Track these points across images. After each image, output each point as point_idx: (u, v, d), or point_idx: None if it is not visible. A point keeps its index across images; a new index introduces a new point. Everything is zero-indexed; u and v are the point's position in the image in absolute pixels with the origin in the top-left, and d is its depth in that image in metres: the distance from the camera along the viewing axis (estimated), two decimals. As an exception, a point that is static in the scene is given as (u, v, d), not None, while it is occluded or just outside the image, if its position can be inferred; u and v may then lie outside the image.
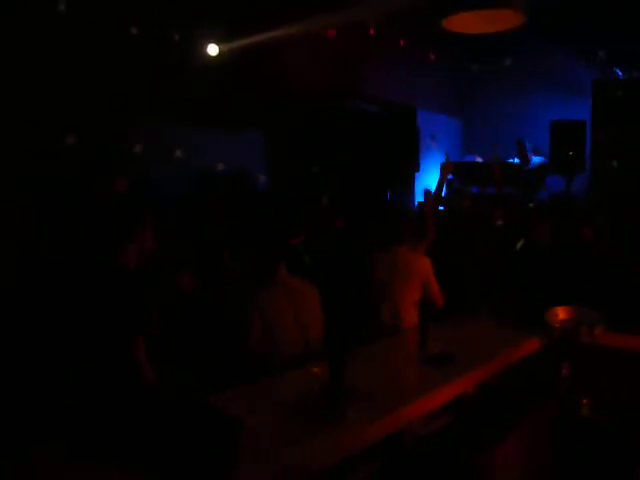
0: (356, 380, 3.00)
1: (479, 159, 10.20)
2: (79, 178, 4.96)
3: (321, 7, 7.15)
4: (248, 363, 3.80)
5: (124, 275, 3.21)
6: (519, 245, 5.38)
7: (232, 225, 5.65)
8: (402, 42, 9.15)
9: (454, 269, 5.27)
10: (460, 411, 3.59)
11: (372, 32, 8.47)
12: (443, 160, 7.32)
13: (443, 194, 6.86)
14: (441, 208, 8.76)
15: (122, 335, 3.07)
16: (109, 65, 6.19)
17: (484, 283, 5.23)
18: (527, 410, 3.85)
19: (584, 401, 4.09)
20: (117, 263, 3.22)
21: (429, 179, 10.19)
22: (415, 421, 3.25)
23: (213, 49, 7.29)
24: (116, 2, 6.24)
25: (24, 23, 5.64)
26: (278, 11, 7.21)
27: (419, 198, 9.71)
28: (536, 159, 9.44)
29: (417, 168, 9.57)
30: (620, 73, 8.88)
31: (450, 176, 9.93)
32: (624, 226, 5.88)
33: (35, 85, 5.62)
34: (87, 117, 6.00)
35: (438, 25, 5.37)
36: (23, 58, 5.59)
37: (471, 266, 5.44)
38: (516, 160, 9.64)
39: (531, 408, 3.90)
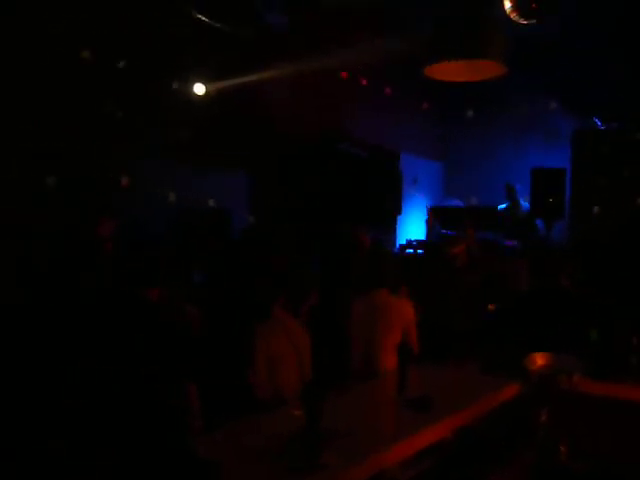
0: (334, 424, 2.97)
1: (460, 203, 10.31)
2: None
3: (308, 52, 7.27)
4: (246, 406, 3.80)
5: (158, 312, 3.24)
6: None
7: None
8: (387, 88, 9.28)
9: (435, 314, 5.28)
10: (439, 456, 3.58)
11: (358, 80, 8.60)
12: (425, 205, 7.40)
13: (425, 238, 6.90)
14: (421, 251, 8.85)
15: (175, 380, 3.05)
16: (92, 101, 6.22)
17: (465, 329, 5.25)
18: (505, 456, 3.85)
19: (562, 448, 4.08)
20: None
21: (411, 222, 10.28)
22: (394, 466, 3.23)
23: (200, 88, 7.37)
24: (101, 40, 6.30)
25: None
26: (266, 54, 7.31)
27: (401, 241, 9.77)
28: (526, 204, 9.53)
29: (399, 211, 9.65)
30: (599, 123, 9.06)
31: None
32: (603, 270, 5.94)
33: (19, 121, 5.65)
34: (70, 155, 6.01)
35: (421, 73, 5.48)
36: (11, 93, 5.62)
37: (452, 311, 5.45)
38: (504, 205, 9.72)
39: (509, 454, 3.90)
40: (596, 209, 8.81)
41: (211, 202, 7.41)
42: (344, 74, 8.50)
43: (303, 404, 2.86)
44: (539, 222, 9.29)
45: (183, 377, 3.13)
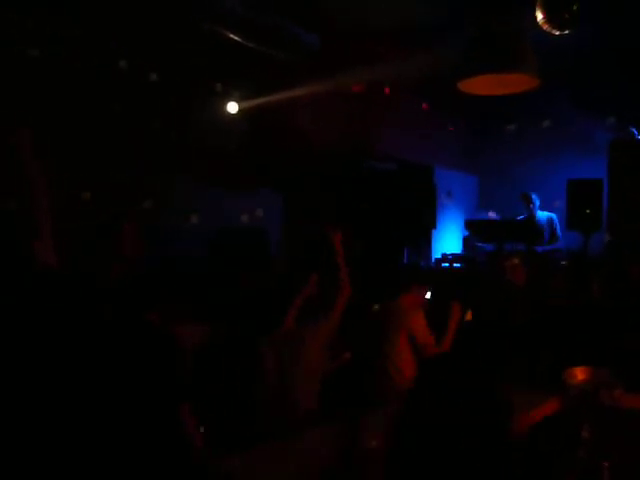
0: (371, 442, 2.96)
1: (495, 216, 10.23)
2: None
3: (339, 68, 7.30)
4: (260, 425, 3.80)
5: (158, 333, 3.16)
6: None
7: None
8: (420, 103, 9.29)
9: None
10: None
11: (388, 92, 8.61)
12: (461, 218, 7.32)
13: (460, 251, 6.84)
14: (458, 265, 8.79)
15: (169, 402, 3.00)
16: (125, 120, 6.30)
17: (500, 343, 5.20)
18: (548, 474, 3.79)
19: (605, 464, 4.02)
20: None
21: (446, 236, 10.22)
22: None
23: (233, 107, 7.44)
24: (134, 56, 6.40)
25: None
26: (297, 73, 7.37)
27: (436, 255, 9.73)
28: (542, 214, 9.45)
29: (434, 225, 9.61)
30: (636, 133, 8.94)
31: (466, 232, 10.01)
32: (629, 282, 5.84)
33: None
34: (102, 172, 6.07)
35: (454, 87, 5.50)
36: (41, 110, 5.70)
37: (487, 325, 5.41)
38: (522, 217, 9.65)
39: (551, 472, 3.84)
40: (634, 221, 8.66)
41: (245, 220, 7.45)
42: (387, 90, 8.51)
43: (345, 420, 2.87)
44: (576, 234, 9.18)
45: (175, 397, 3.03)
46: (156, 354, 3.03)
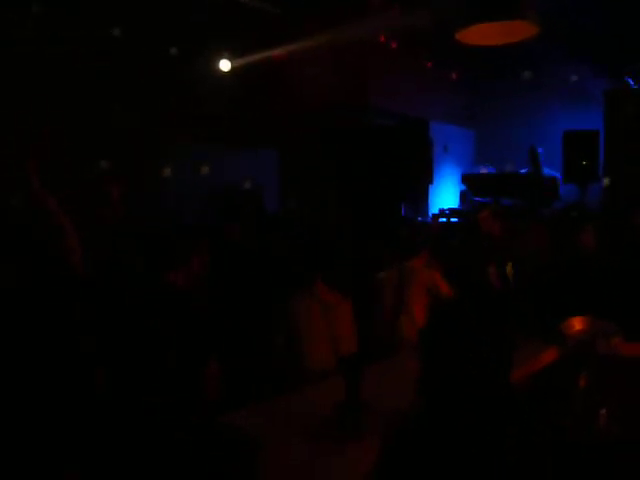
0: (372, 396, 2.99)
1: (491, 170, 10.20)
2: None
3: (333, 23, 7.21)
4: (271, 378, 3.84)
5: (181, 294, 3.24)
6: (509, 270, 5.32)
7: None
8: (416, 56, 9.18)
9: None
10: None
11: (384, 44, 8.51)
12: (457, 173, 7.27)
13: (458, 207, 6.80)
14: (455, 220, 8.78)
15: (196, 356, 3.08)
16: (116, 81, 6.24)
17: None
18: (544, 422, 3.84)
19: (601, 411, 4.06)
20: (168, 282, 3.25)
21: (443, 191, 10.20)
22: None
23: (225, 65, 7.35)
24: (127, 19, 6.31)
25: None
26: (290, 27, 7.27)
27: (433, 210, 9.72)
28: (548, 170, 9.39)
29: (431, 180, 9.58)
30: (632, 82, 8.87)
31: (463, 187, 10.00)
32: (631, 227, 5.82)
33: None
34: (97, 133, 6.04)
35: (452, 39, 5.43)
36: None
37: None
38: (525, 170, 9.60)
39: (549, 420, 3.89)
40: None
41: (242, 181, 7.43)
42: (371, 43, 8.41)
43: (343, 373, 2.89)
44: (572, 186, 9.15)
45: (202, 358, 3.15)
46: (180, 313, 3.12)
